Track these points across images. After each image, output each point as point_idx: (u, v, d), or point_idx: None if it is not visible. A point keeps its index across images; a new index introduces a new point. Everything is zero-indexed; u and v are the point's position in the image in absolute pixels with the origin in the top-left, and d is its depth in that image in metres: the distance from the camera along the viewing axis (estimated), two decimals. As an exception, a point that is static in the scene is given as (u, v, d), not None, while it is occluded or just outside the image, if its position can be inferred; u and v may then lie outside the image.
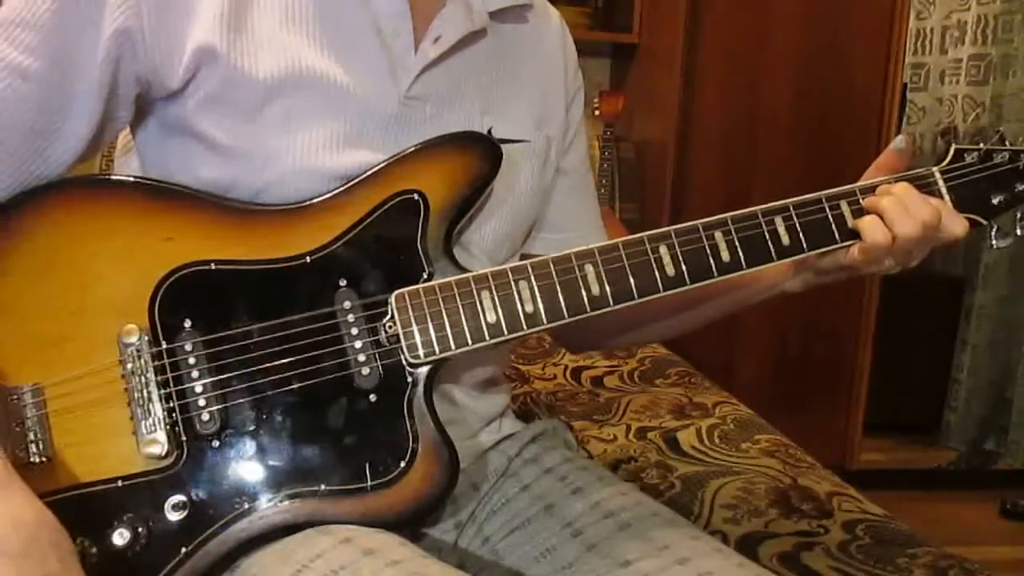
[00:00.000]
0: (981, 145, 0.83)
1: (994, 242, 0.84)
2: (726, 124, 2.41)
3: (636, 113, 2.58)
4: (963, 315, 3.05)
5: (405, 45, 0.77)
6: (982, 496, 2.67)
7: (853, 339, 2.54)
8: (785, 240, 0.77)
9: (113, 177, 0.73)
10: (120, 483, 0.67)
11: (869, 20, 2.39)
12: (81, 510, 0.66)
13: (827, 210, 0.78)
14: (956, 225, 0.78)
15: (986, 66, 3.03)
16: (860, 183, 0.80)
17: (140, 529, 0.66)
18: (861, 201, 0.78)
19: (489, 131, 0.80)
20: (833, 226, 0.78)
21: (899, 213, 0.76)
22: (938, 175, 0.81)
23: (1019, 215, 0.83)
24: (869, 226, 0.76)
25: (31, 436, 0.66)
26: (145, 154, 0.78)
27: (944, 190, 0.81)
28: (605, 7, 2.62)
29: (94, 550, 0.65)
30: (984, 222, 0.82)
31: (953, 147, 0.83)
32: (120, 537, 0.65)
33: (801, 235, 0.77)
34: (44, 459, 0.66)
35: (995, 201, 0.82)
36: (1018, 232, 0.83)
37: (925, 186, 0.80)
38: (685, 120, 2.38)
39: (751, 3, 2.36)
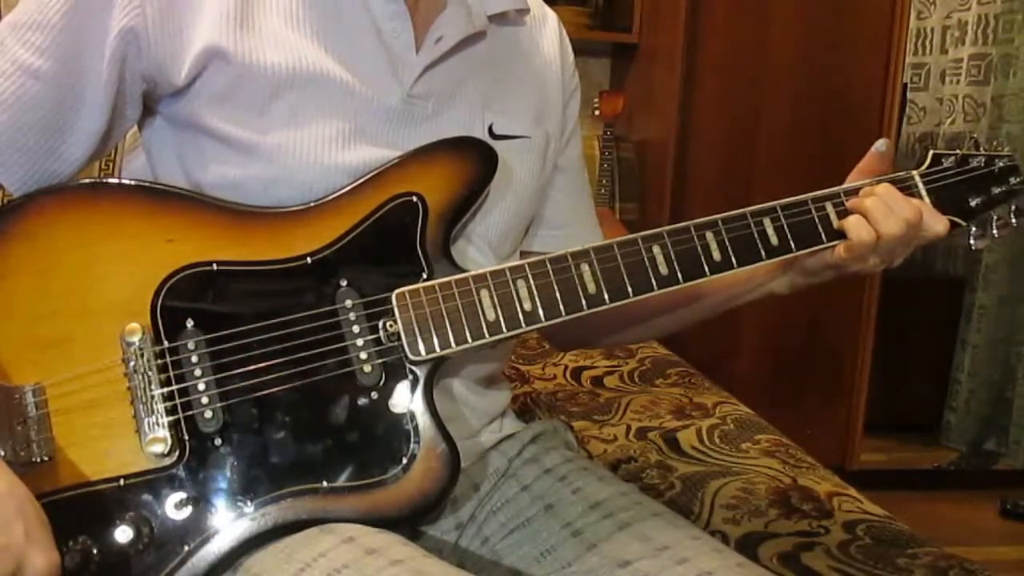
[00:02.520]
0: (957, 150, 0.86)
1: (972, 242, 0.87)
2: (726, 124, 2.41)
3: (636, 113, 2.58)
4: (963, 315, 3.05)
5: (405, 45, 0.78)
6: (982, 496, 2.66)
7: (853, 339, 2.54)
8: (774, 240, 0.79)
9: (113, 181, 0.74)
10: (122, 482, 0.67)
11: (869, 20, 2.39)
12: (84, 509, 0.66)
13: (813, 211, 0.81)
14: (937, 223, 0.81)
15: (987, 66, 3.03)
16: (844, 186, 0.83)
17: (142, 528, 0.66)
18: (845, 202, 0.81)
19: (490, 128, 0.82)
20: (819, 226, 0.80)
21: (883, 212, 0.78)
22: (918, 178, 0.84)
23: (995, 217, 0.86)
24: (854, 225, 0.79)
25: (33, 435, 0.66)
26: (153, 152, 0.79)
27: (924, 192, 0.83)
28: (605, 7, 2.63)
29: (96, 549, 0.65)
30: (963, 223, 0.85)
31: (931, 152, 0.86)
32: (123, 535, 0.66)
33: (789, 235, 0.80)
34: (46, 458, 0.66)
35: (972, 203, 0.85)
36: (995, 233, 0.86)
37: (905, 188, 0.82)
38: (685, 120, 2.38)
39: (751, 3, 2.37)
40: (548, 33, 0.92)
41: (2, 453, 0.65)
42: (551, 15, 0.94)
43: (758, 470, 1.22)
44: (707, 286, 0.82)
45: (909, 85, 3.19)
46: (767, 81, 2.40)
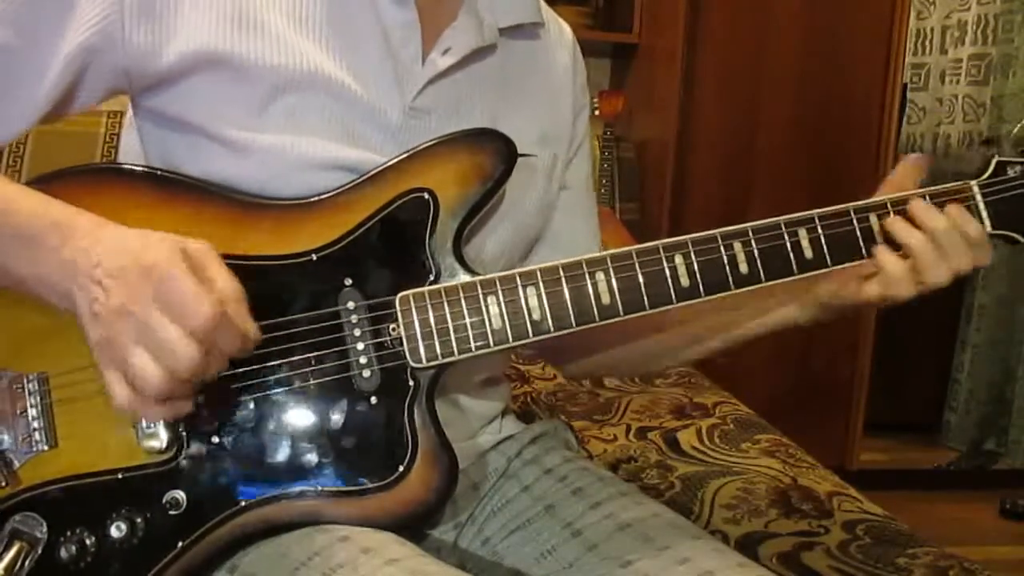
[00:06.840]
0: None
1: None
2: (726, 124, 2.41)
3: (636, 113, 2.58)
4: (963, 315, 3.05)
5: (413, 55, 0.76)
6: (982, 496, 2.66)
7: (853, 339, 2.54)
8: (808, 253, 0.73)
9: (119, 166, 0.73)
10: (120, 475, 0.67)
11: (869, 20, 2.39)
12: (82, 500, 0.66)
13: (855, 223, 0.74)
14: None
15: (986, 66, 3.03)
16: (890, 196, 0.76)
17: (138, 522, 0.66)
18: (891, 215, 0.74)
19: None
20: (860, 240, 0.74)
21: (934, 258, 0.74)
22: (976, 189, 0.77)
23: None
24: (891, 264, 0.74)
25: (35, 424, 0.67)
26: (146, 143, 0.77)
27: (982, 205, 0.76)
28: (605, 7, 2.62)
29: (91, 541, 0.65)
30: (1021, 239, 0.78)
31: (995, 159, 0.77)
32: (117, 530, 0.66)
33: (825, 249, 0.74)
34: (47, 447, 0.67)
35: None
36: None
37: (962, 200, 0.76)
38: (685, 120, 2.38)
39: (751, 3, 2.37)
40: (563, 50, 0.90)
41: (4, 439, 0.65)
42: (567, 29, 0.91)
43: (758, 470, 1.22)
44: (713, 321, 0.82)
45: (909, 85, 3.18)
46: (767, 81, 2.40)
